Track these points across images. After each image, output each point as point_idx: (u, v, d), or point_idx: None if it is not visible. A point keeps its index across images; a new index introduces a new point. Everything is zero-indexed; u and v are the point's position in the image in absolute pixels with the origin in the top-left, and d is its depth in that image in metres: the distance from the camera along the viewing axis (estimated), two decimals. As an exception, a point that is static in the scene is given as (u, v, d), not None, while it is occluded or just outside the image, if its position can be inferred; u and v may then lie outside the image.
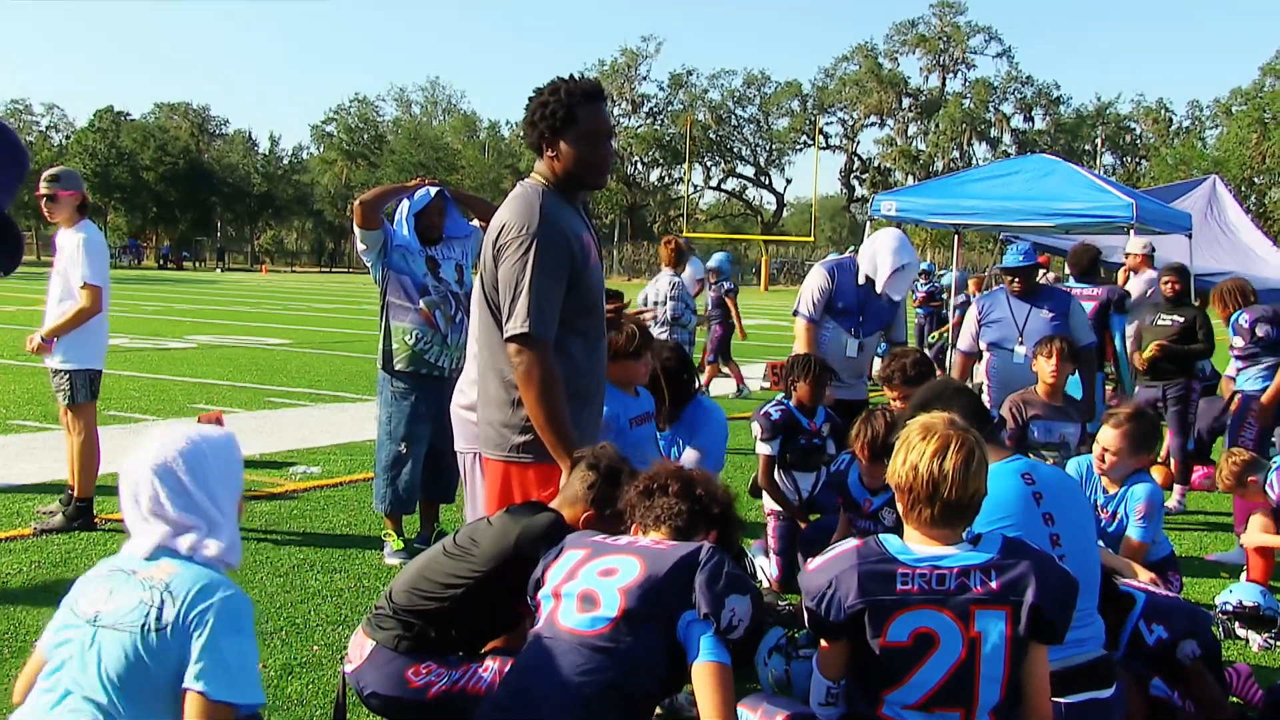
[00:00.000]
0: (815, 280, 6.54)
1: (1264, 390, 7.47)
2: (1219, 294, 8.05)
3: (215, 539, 2.55)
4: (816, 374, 5.77)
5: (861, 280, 6.46)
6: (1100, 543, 5.24)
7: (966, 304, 16.96)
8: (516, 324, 3.51)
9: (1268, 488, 5.66)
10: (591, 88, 3.67)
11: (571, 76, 3.69)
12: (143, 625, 2.42)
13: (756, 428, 5.84)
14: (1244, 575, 5.91)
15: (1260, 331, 7.54)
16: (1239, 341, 7.66)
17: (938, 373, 6.65)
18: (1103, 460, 5.17)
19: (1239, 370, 7.72)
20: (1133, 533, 5.15)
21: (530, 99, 3.66)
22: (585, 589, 2.78)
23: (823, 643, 2.92)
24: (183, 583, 2.45)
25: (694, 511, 3.00)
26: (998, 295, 7.25)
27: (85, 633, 2.47)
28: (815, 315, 6.49)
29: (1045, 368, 6.20)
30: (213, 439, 2.66)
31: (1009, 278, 7.07)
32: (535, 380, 3.50)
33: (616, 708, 2.73)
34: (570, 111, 3.60)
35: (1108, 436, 5.14)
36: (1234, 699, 4.40)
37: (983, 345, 7.12)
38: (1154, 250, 10.44)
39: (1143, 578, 4.89)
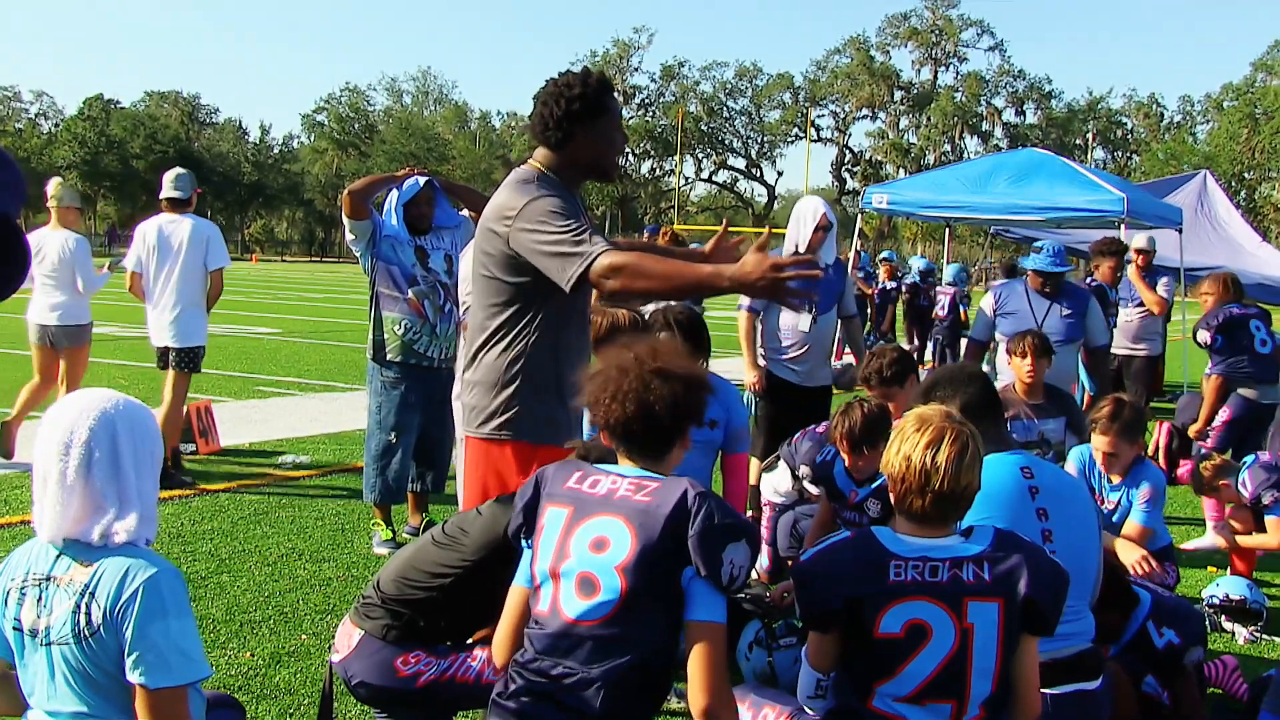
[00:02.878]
0: None
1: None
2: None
3: (123, 521, 2.46)
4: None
5: (789, 252, 6.53)
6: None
7: (885, 293, 16.98)
8: (580, 263, 3.35)
9: (1240, 487, 5.73)
10: (608, 79, 3.70)
11: (585, 68, 3.71)
12: (76, 633, 2.41)
13: (805, 470, 5.69)
14: (1229, 569, 5.96)
15: (1200, 340, 7.64)
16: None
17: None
18: (1106, 464, 5.31)
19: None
20: (1135, 517, 5.24)
21: (555, 89, 3.60)
22: (583, 572, 2.72)
23: (812, 634, 2.92)
24: (101, 580, 2.42)
25: (663, 438, 2.86)
26: (1015, 286, 7.21)
27: (41, 655, 2.46)
28: (757, 305, 6.66)
29: (1021, 366, 6.08)
30: (144, 408, 2.59)
31: (1039, 279, 7.00)
32: (640, 280, 3.30)
33: (638, 684, 2.72)
34: (601, 100, 3.61)
35: (1100, 442, 5.25)
36: (1218, 691, 4.42)
37: (998, 335, 7.10)
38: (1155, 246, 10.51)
39: (1133, 556, 4.94)
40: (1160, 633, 4.08)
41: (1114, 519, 5.32)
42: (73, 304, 8.01)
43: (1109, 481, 5.39)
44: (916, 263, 16.80)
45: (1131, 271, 9.66)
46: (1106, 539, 4.95)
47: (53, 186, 8.03)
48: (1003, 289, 7.31)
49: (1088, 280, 8.88)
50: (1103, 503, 5.44)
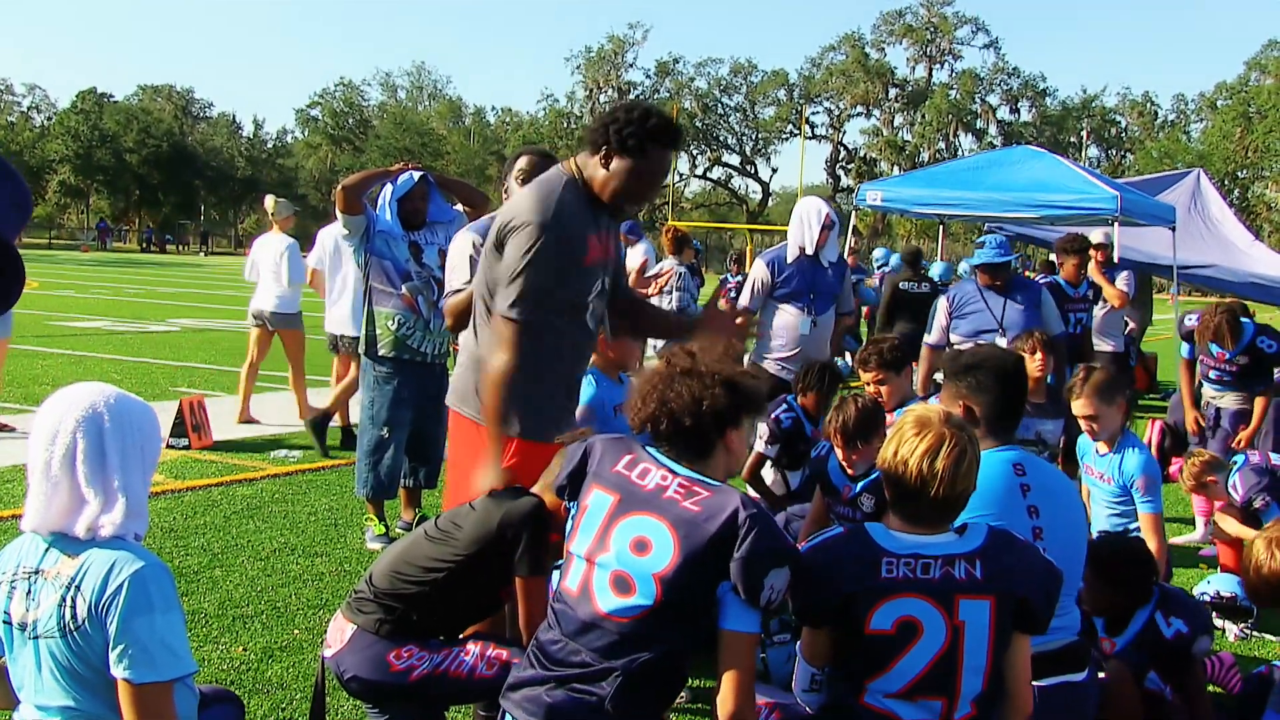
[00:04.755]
0: (758, 272, 6.80)
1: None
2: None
3: (109, 514, 2.45)
4: (826, 386, 5.81)
5: (794, 254, 6.59)
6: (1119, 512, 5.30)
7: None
8: (503, 305, 3.55)
9: (1230, 489, 5.74)
10: (673, 134, 3.64)
11: (664, 111, 3.69)
12: (61, 627, 2.40)
13: (764, 429, 5.83)
14: (1219, 567, 5.98)
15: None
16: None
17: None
18: (1092, 431, 5.23)
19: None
20: (1144, 509, 5.14)
21: (624, 105, 3.64)
22: (620, 571, 2.72)
23: (806, 629, 2.92)
24: (88, 573, 2.41)
25: (702, 437, 2.83)
26: (967, 286, 7.24)
27: (29, 649, 2.46)
28: (752, 304, 6.77)
29: (1030, 363, 6.04)
30: (139, 403, 2.58)
31: (987, 275, 7.04)
32: (500, 363, 3.55)
33: (655, 679, 2.74)
34: (641, 144, 3.57)
35: (1079, 407, 5.17)
36: (1214, 687, 4.44)
37: (955, 338, 7.09)
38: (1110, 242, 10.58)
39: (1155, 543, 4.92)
40: (1169, 623, 4.07)
41: (1113, 496, 5.31)
42: (288, 295, 9.79)
43: (1097, 453, 5.37)
44: (937, 267, 16.52)
45: (1091, 267, 9.70)
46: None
47: (269, 204, 10.10)
48: (956, 291, 7.33)
49: (1041, 276, 8.93)
50: (1090, 472, 5.43)
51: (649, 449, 2.87)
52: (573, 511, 2.91)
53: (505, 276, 3.56)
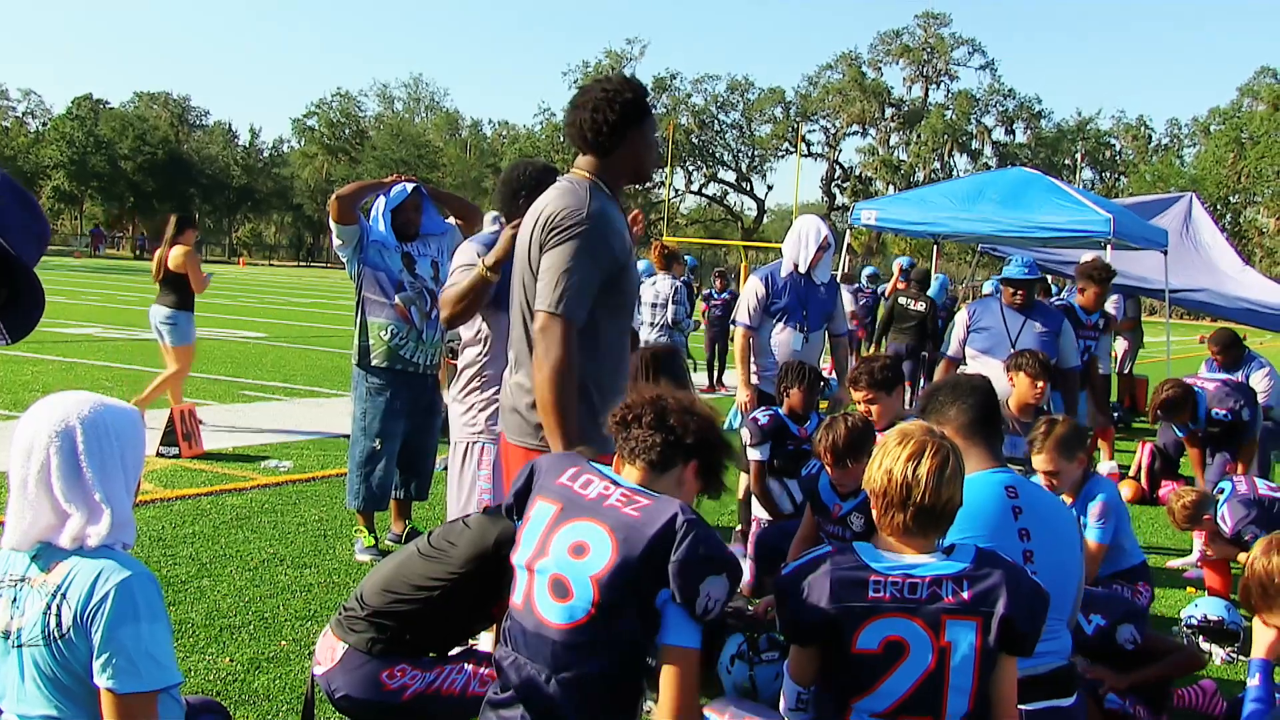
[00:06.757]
0: (751, 288, 6.83)
1: None
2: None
3: (95, 526, 2.43)
4: (809, 382, 5.87)
5: (788, 268, 6.64)
6: None
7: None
8: (548, 303, 3.49)
9: (1220, 520, 5.76)
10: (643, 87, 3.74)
11: (622, 74, 3.74)
12: (45, 634, 2.39)
13: (745, 434, 5.94)
14: (1206, 590, 5.99)
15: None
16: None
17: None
18: (1052, 486, 5.17)
19: None
20: (1090, 535, 5.14)
21: (605, 95, 3.60)
22: (557, 574, 2.73)
23: (793, 648, 2.93)
24: (73, 581, 2.40)
25: (668, 443, 2.88)
26: (989, 303, 7.28)
27: (13, 657, 2.45)
28: (752, 322, 6.79)
29: (1024, 383, 6.14)
30: (116, 411, 2.55)
31: (1010, 289, 7.08)
32: (552, 360, 3.46)
33: (607, 693, 2.74)
34: (645, 103, 3.66)
35: (1040, 462, 5.06)
36: (1199, 713, 4.44)
37: (970, 351, 7.14)
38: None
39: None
40: (1089, 620, 4.13)
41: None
42: None
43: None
44: (934, 284, 16.31)
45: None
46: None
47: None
48: (977, 305, 7.38)
49: (1054, 299, 8.97)
50: None
51: (593, 464, 2.92)
52: (515, 554, 2.93)
53: (549, 277, 3.50)
